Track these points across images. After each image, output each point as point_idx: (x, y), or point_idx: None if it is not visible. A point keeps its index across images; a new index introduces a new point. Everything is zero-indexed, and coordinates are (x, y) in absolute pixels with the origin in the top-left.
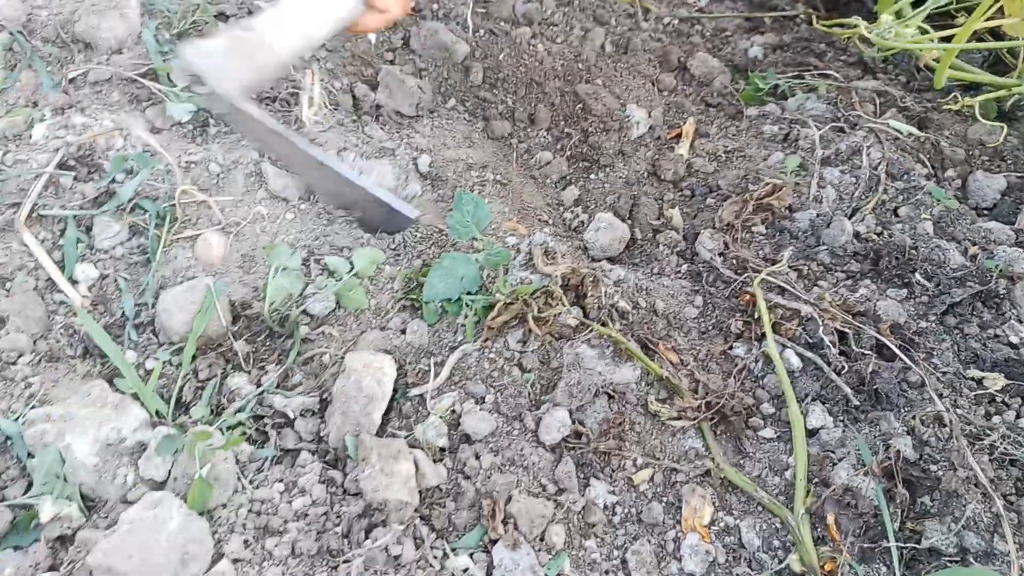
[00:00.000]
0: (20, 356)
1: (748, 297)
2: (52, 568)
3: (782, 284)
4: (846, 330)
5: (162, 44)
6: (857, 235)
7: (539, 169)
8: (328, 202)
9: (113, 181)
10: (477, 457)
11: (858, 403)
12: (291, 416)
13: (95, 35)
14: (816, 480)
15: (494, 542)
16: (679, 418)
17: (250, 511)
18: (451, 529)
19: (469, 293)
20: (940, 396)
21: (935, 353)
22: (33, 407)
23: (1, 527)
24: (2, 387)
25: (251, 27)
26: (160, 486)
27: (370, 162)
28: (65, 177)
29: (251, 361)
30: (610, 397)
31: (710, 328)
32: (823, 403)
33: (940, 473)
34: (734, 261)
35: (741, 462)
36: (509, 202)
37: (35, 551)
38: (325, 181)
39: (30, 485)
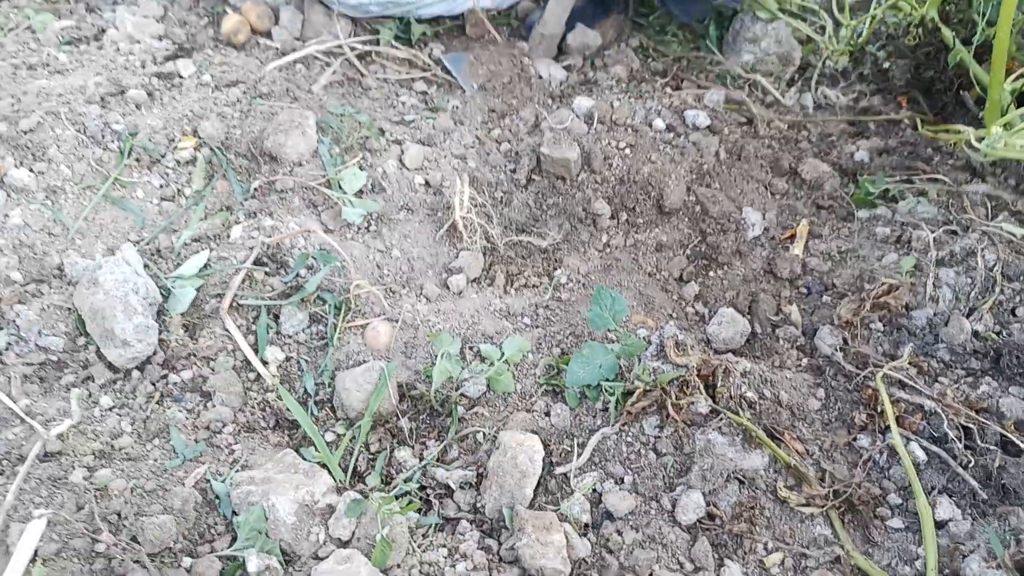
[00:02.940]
0: (224, 426)
1: (870, 391)
2: None
3: (904, 379)
4: (970, 425)
5: (334, 158)
6: (976, 334)
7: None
8: None
9: (297, 276)
10: (619, 533)
11: (986, 497)
12: (452, 487)
13: (280, 150)
14: (947, 571)
15: None
16: (807, 505)
17: (420, 572)
18: None
19: (607, 380)
20: None
21: None
22: (237, 471)
23: (212, 575)
24: (211, 453)
25: None
26: (344, 545)
27: None
28: (258, 272)
29: (414, 436)
30: (740, 482)
31: (833, 420)
32: (950, 496)
33: None
34: (855, 356)
35: (870, 551)
36: (636, 296)
37: None
38: None
39: (233, 539)
